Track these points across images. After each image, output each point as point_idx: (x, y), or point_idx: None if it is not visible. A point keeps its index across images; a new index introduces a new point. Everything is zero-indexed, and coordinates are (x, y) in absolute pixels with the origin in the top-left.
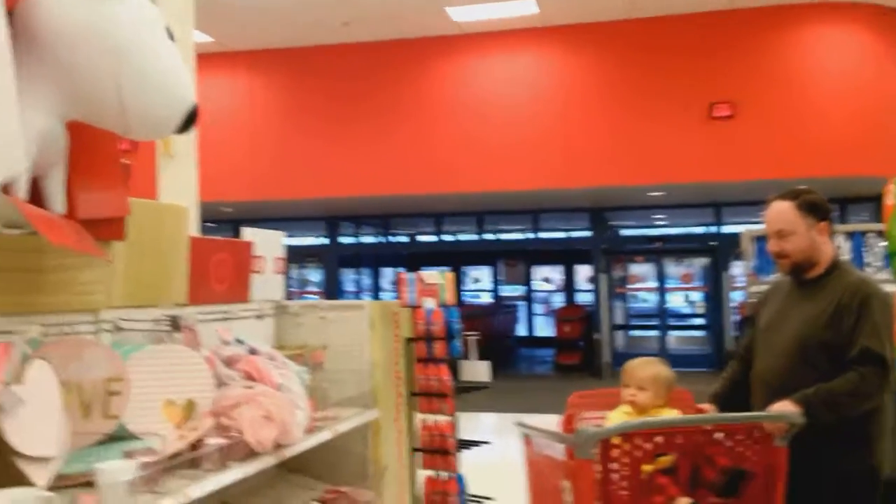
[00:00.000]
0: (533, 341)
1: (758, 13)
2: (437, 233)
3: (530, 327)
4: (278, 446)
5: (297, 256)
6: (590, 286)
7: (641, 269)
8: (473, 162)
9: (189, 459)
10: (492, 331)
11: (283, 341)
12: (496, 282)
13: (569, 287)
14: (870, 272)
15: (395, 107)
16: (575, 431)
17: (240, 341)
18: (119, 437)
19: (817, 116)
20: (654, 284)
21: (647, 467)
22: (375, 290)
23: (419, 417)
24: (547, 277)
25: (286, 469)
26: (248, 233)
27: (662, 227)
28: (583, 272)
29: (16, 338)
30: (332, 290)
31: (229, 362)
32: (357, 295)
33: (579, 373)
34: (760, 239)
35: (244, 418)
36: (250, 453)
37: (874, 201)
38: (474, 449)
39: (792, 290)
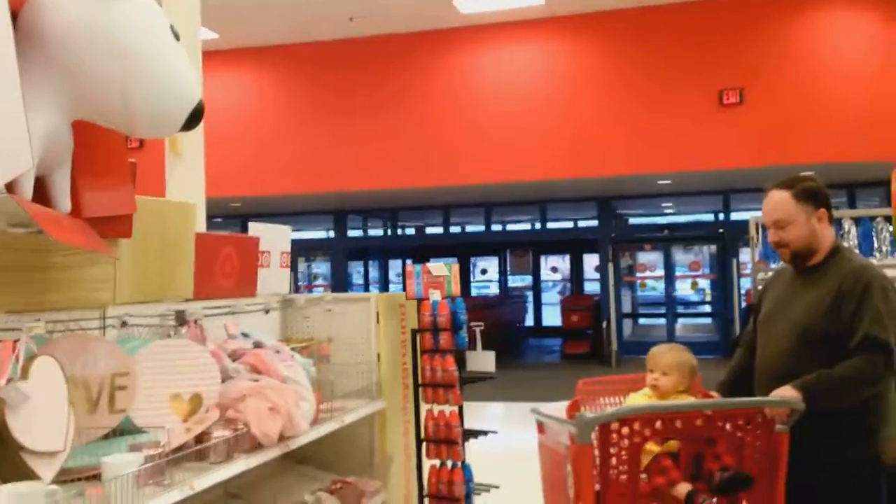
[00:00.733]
0: (541, 331)
1: None
2: (445, 224)
3: (538, 317)
4: (284, 438)
5: (305, 250)
6: (597, 275)
7: (649, 258)
8: (481, 153)
9: (195, 452)
10: (500, 321)
11: (290, 334)
12: (504, 272)
13: (577, 276)
14: (878, 257)
15: (402, 100)
16: (574, 416)
17: (245, 335)
18: (126, 430)
19: (826, 102)
20: (662, 273)
21: (654, 448)
22: (384, 283)
23: (425, 408)
24: (555, 267)
25: (293, 460)
26: (254, 228)
27: (670, 216)
28: (590, 261)
29: (22, 335)
30: (341, 283)
31: (235, 356)
32: (365, 287)
33: (587, 362)
34: None
35: (250, 411)
36: (256, 445)
37: (884, 186)
38: (481, 438)
39: (793, 277)
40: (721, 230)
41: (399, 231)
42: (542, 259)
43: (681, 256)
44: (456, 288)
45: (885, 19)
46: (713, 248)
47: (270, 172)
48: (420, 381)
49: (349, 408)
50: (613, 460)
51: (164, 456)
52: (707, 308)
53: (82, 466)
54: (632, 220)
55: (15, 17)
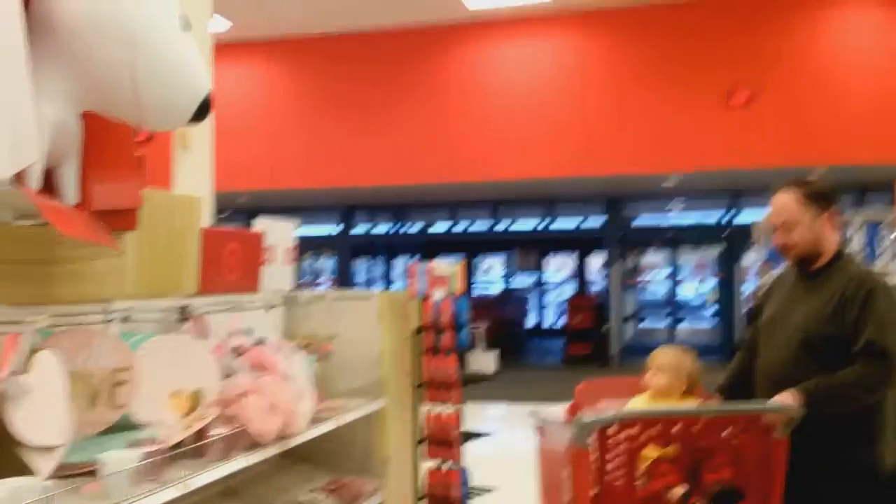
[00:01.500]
0: (544, 331)
1: None
2: (452, 222)
3: (541, 317)
4: (283, 436)
5: (310, 246)
6: (602, 276)
7: (655, 259)
8: (488, 150)
9: (193, 449)
10: (503, 320)
11: (293, 331)
12: (508, 271)
13: (580, 276)
14: (882, 262)
15: (409, 95)
16: (572, 419)
17: (248, 331)
18: (126, 426)
19: (837, 102)
20: (667, 274)
21: (652, 453)
22: (388, 280)
23: (425, 408)
24: (559, 267)
25: (291, 458)
26: (259, 223)
27: (676, 217)
28: (595, 262)
29: (25, 328)
30: (345, 279)
31: (237, 352)
32: (369, 284)
33: (589, 363)
34: None
35: (249, 408)
36: (255, 443)
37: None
38: (479, 440)
39: (796, 281)
40: (726, 232)
41: (405, 228)
42: (547, 259)
43: (686, 258)
44: (459, 287)
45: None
46: (718, 250)
47: (278, 167)
48: (421, 380)
49: (349, 406)
50: (611, 464)
51: (162, 452)
52: (712, 310)
53: (80, 462)
54: (638, 221)
55: (26, 6)
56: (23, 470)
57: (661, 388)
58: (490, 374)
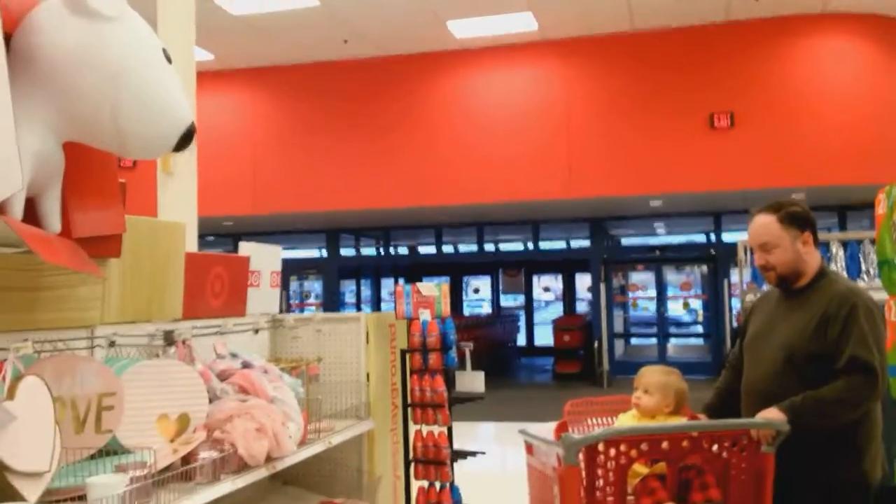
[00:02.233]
0: (533, 350)
1: (757, 24)
2: (438, 244)
3: (530, 336)
4: (271, 459)
5: (297, 269)
6: (589, 295)
7: (641, 278)
8: (473, 174)
9: (181, 472)
10: (491, 340)
11: (279, 354)
12: (496, 292)
13: (569, 296)
14: (865, 280)
15: (395, 121)
16: (560, 437)
17: (234, 355)
18: (112, 451)
19: (816, 126)
20: (653, 293)
21: (642, 469)
22: (376, 302)
23: (414, 428)
24: (547, 287)
25: (280, 481)
26: (245, 247)
27: (662, 237)
28: (583, 281)
29: (10, 354)
30: (332, 302)
31: (223, 376)
32: (357, 306)
33: (578, 382)
34: None
35: (237, 431)
36: (243, 466)
37: (872, 209)
38: (469, 459)
39: (779, 300)
40: (712, 251)
41: (391, 250)
42: (535, 279)
43: (672, 277)
44: (446, 308)
45: (874, 45)
46: (704, 269)
47: (263, 192)
48: (409, 401)
49: (338, 428)
50: (600, 482)
51: (150, 477)
52: (699, 329)
53: (67, 487)
54: (624, 241)
55: (7, 39)
56: (12, 496)
57: (648, 407)
58: (480, 393)
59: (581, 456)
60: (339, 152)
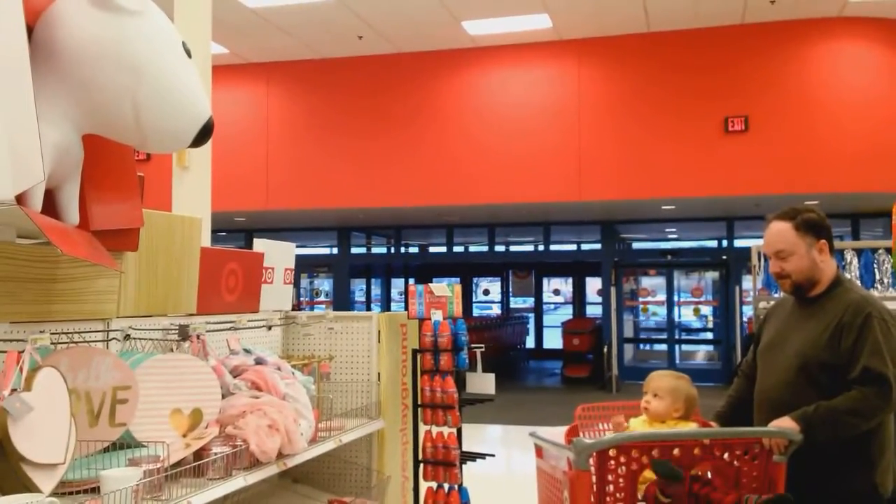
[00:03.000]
0: (542, 353)
1: (772, 28)
2: (449, 244)
3: (540, 339)
4: (282, 456)
5: (308, 266)
6: (599, 299)
7: (652, 283)
8: (486, 174)
9: (193, 467)
10: (501, 342)
11: (291, 351)
12: (506, 293)
13: (578, 299)
14: (879, 289)
15: (408, 119)
16: (571, 442)
17: (247, 351)
18: (126, 444)
19: (831, 131)
20: (664, 298)
21: (653, 476)
22: (386, 301)
23: (424, 429)
24: (557, 289)
25: (290, 478)
26: (259, 244)
27: (674, 241)
28: (593, 285)
29: (27, 346)
30: (343, 300)
31: (236, 372)
32: (367, 305)
33: (587, 386)
34: None
35: (249, 428)
36: (254, 462)
37: (887, 217)
38: (479, 461)
39: (794, 308)
40: (724, 257)
41: (403, 249)
42: (545, 281)
43: (683, 282)
44: (458, 309)
45: (891, 49)
46: (716, 274)
47: (276, 188)
48: (419, 401)
49: (348, 427)
50: (611, 487)
51: (162, 471)
52: (709, 335)
53: (81, 479)
54: (635, 245)
55: (30, 31)
56: (27, 487)
57: (658, 411)
58: (490, 395)
59: (592, 461)
60: (352, 149)
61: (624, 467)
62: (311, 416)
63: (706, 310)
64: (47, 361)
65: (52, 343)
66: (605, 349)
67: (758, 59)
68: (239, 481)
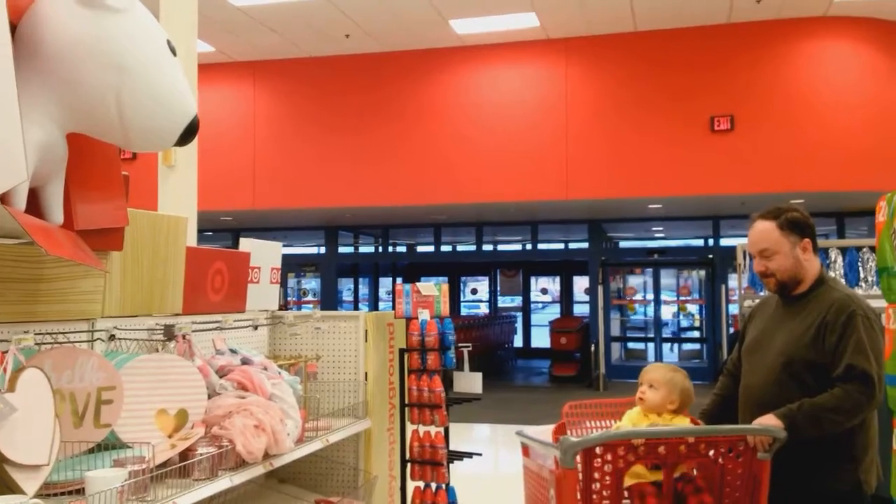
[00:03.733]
0: (530, 352)
1: (758, 27)
2: (436, 243)
3: (527, 338)
4: (268, 456)
5: (295, 265)
6: (587, 298)
7: (639, 281)
8: (473, 173)
9: (179, 468)
10: (488, 341)
11: (278, 351)
12: (494, 292)
13: (566, 298)
14: (863, 287)
15: (396, 117)
16: (558, 440)
17: (233, 351)
18: (111, 445)
19: (816, 130)
20: (651, 296)
21: (642, 469)
22: (374, 300)
23: (411, 428)
24: (544, 288)
25: (277, 479)
26: (245, 243)
27: (661, 240)
28: (580, 283)
29: (10, 346)
30: (331, 299)
31: (222, 372)
32: (355, 304)
33: (574, 384)
34: None
35: (235, 428)
36: (240, 463)
37: (872, 215)
38: (466, 460)
39: (778, 307)
40: (710, 255)
41: (390, 248)
42: (533, 280)
43: (670, 281)
44: (445, 308)
45: (875, 49)
46: (702, 273)
47: (263, 187)
48: (407, 400)
49: (335, 427)
50: (597, 485)
51: (148, 472)
52: (695, 333)
53: (66, 481)
54: (622, 244)
55: (13, 29)
56: (11, 488)
57: (653, 402)
58: (477, 394)
59: (578, 459)
60: (340, 148)
61: (610, 465)
62: (297, 416)
63: (693, 308)
64: (31, 362)
65: (36, 343)
66: (593, 348)
67: (744, 58)
68: (225, 482)
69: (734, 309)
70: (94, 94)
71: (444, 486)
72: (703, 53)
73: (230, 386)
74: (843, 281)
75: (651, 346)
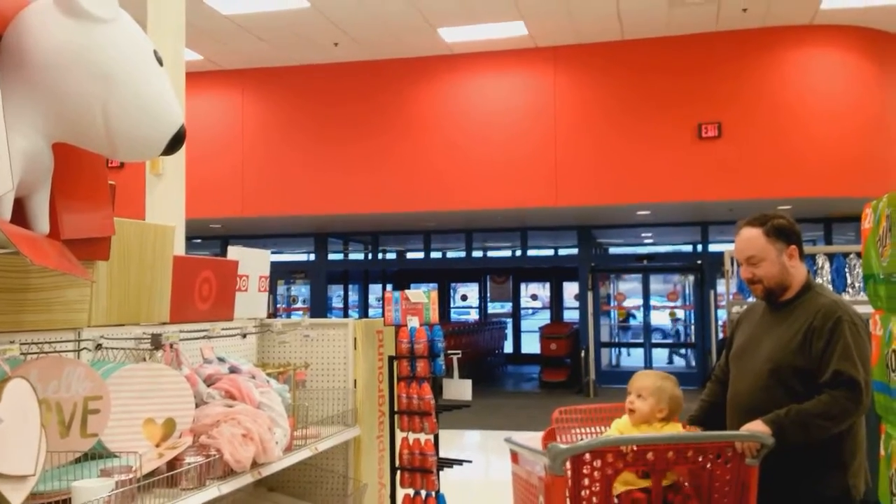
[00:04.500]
0: (520, 358)
1: (745, 35)
2: (426, 250)
3: (517, 344)
4: (257, 465)
5: (285, 273)
6: (576, 303)
7: (628, 287)
8: (463, 180)
9: (166, 478)
10: (478, 348)
11: (267, 359)
12: (484, 298)
13: (556, 304)
14: (850, 293)
15: (385, 125)
16: (547, 447)
17: (221, 359)
18: (98, 455)
19: (803, 137)
20: (640, 302)
21: (631, 476)
22: (364, 307)
23: (401, 435)
24: (534, 294)
25: (265, 487)
26: (233, 251)
27: (649, 245)
28: (570, 289)
29: None
30: (320, 306)
31: (210, 381)
32: (345, 312)
33: (565, 390)
34: None
35: (223, 437)
36: (229, 472)
37: (858, 221)
38: (456, 467)
39: (765, 313)
40: (699, 261)
41: (380, 255)
42: (523, 286)
43: (659, 287)
44: (434, 315)
45: (861, 57)
46: (691, 279)
47: (251, 195)
48: (396, 408)
49: (324, 435)
50: (586, 492)
51: (135, 482)
52: (685, 338)
53: (52, 491)
54: (612, 250)
55: None
56: None
57: (642, 412)
58: (467, 401)
59: (567, 465)
60: (328, 156)
61: (599, 472)
62: (286, 425)
63: (681, 314)
64: (17, 372)
65: (21, 353)
66: (583, 353)
67: (731, 65)
68: (213, 491)
69: (723, 314)
70: (81, 104)
71: (433, 493)
72: (690, 61)
73: (218, 395)
74: (830, 287)
75: (640, 351)
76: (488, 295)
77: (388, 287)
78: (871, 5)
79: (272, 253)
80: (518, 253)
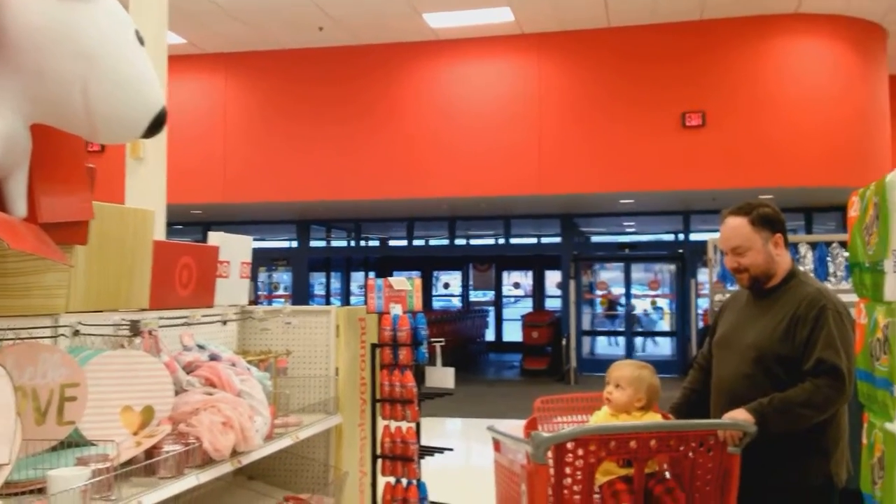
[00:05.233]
0: (502, 346)
1: (730, 24)
2: (409, 237)
3: (499, 332)
4: (236, 453)
5: (266, 259)
6: (559, 292)
7: (611, 276)
8: (446, 167)
9: (144, 466)
10: (460, 335)
11: (248, 347)
12: (466, 286)
13: (538, 292)
14: (832, 282)
15: (368, 111)
16: (529, 436)
17: (201, 346)
18: (74, 443)
19: (786, 127)
20: (622, 290)
21: (612, 466)
22: (346, 295)
23: (382, 423)
24: (517, 283)
25: (245, 475)
26: (214, 237)
27: (632, 234)
28: (552, 278)
29: None
30: (302, 293)
31: (189, 368)
32: (327, 299)
33: (546, 378)
34: None
35: (203, 425)
36: (207, 460)
37: (840, 211)
38: (437, 455)
39: (749, 301)
40: (680, 250)
41: (363, 242)
42: (505, 274)
43: (641, 275)
44: (417, 303)
45: (845, 46)
46: (673, 267)
47: (233, 180)
48: (378, 396)
49: (305, 423)
50: (568, 480)
51: (112, 470)
52: (666, 327)
53: (27, 480)
54: (594, 238)
55: None
56: None
57: (620, 402)
58: (449, 389)
59: (550, 454)
60: (311, 141)
61: (582, 460)
62: (266, 413)
63: (663, 302)
64: None
65: None
66: (564, 342)
67: (716, 54)
68: (191, 480)
69: (704, 303)
70: (59, 84)
71: (415, 481)
72: (675, 49)
73: (197, 382)
74: (813, 275)
75: (622, 339)
76: (471, 283)
77: (371, 275)
78: None
79: (254, 239)
80: (501, 241)
